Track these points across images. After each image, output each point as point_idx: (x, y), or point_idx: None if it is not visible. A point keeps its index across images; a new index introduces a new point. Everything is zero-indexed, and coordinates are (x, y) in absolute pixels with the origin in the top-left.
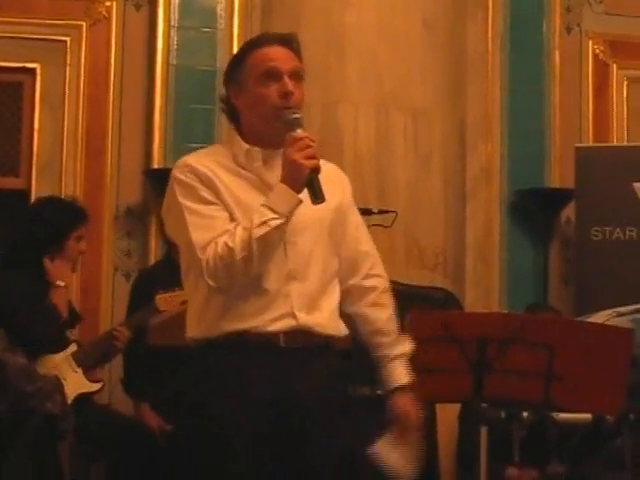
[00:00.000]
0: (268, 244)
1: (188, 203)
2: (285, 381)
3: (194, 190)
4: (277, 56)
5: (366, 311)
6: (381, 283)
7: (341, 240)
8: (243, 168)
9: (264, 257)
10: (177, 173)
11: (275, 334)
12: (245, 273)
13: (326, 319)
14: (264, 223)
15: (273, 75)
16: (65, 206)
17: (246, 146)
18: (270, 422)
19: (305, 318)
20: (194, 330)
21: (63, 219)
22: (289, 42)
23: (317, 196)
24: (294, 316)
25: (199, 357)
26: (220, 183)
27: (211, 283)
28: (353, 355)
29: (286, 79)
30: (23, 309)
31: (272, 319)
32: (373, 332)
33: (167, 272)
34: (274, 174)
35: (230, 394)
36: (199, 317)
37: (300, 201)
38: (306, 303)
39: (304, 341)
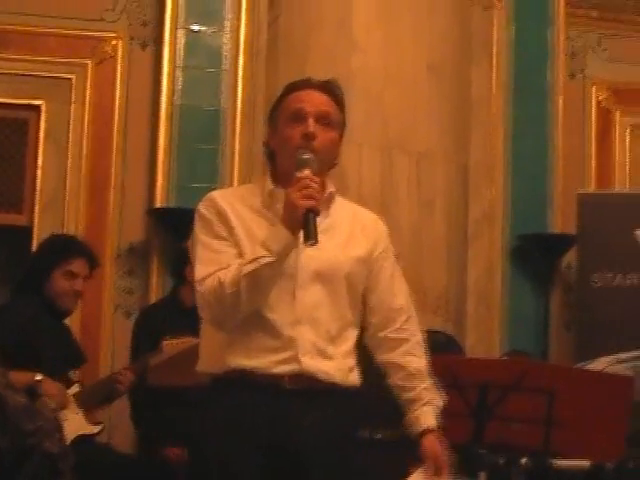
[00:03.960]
0: (257, 281)
1: (202, 236)
2: (285, 422)
3: (210, 224)
4: (306, 99)
5: (400, 360)
6: (415, 336)
7: (370, 291)
8: (267, 208)
9: (253, 293)
10: (200, 206)
11: (280, 376)
12: (234, 308)
13: (332, 367)
14: (255, 260)
15: (299, 117)
16: (57, 240)
17: (270, 187)
18: (268, 461)
19: (309, 363)
20: (201, 364)
21: (48, 251)
22: (326, 88)
23: (309, 237)
24: (298, 360)
25: (204, 392)
26: (237, 220)
27: (204, 316)
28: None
29: (310, 121)
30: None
31: (277, 361)
32: (408, 376)
33: (172, 312)
34: None
35: (230, 432)
36: (206, 351)
37: (294, 241)
38: (311, 349)
39: (308, 385)
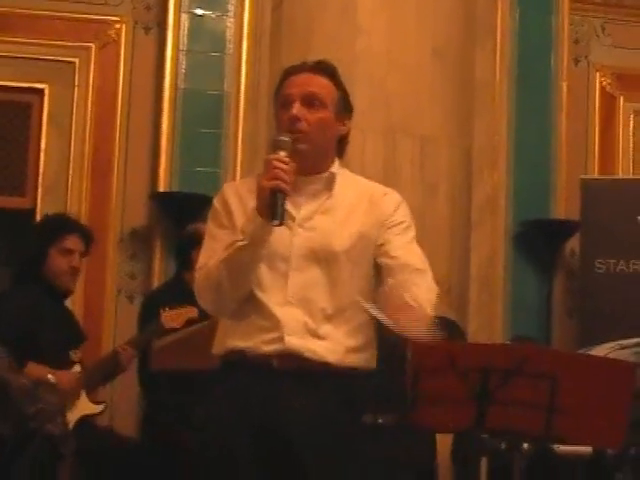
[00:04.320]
0: (233, 265)
1: (210, 226)
2: (275, 403)
3: (217, 215)
4: (295, 83)
5: (401, 286)
6: (423, 282)
7: (379, 257)
8: None
9: (233, 277)
10: (215, 198)
11: (268, 356)
12: (219, 294)
13: (323, 347)
14: (230, 245)
15: (287, 102)
16: (48, 219)
17: None
18: (260, 442)
19: (293, 342)
20: (214, 347)
21: (41, 232)
22: (316, 68)
23: (274, 217)
24: (282, 340)
25: (211, 375)
26: (239, 207)
27: (200, 303)
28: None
29: (295, 104)
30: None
31: (265, 341)
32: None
33: (176, 292)
34: (295, 199)
35: (226, 413)
36: (217, 334)
37: (265, 224)
38: (300, 329)
39: (297, 365)
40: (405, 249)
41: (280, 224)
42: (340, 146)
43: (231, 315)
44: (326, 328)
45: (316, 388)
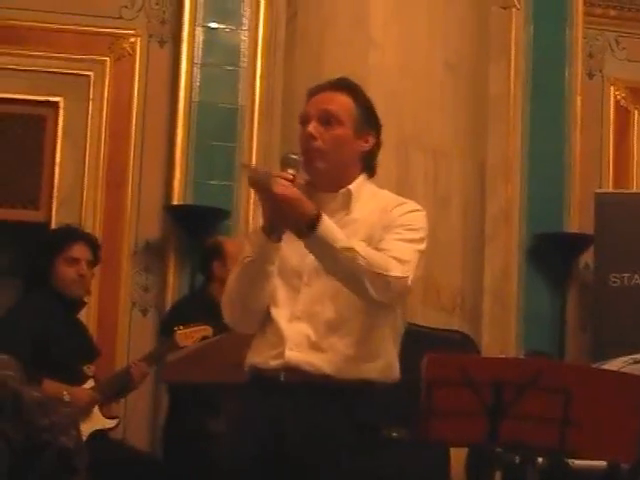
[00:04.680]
0: (242, 279)
1: (246, 245)
2: (282, 416)
3: (249, 234)
4: (313, 102)
5: None
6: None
7: None
8: None
9: (241, 292)
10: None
11: (276, 370)
12: (232, 307)
13: (323, 359)
14: (242, 261)
15: (305, 121)
16: (53, 231)
17: None
18: (267, 457)
19: (294, 356)
20: None
21: (46, 243)
22: (335, 86)
23: (272, 232)
24: (283, 354)
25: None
26: None
27: (223, 317)
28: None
29: (311, 122)
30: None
31: (272, 356)
32: None
33: (199, 304)
34: None
35: (238, 429)
36: None
37: (265, 239)
38: (302, 342)
39: (301, 379)
40: (394, 244)
41: (278, 240)
42: (367, 162)
43: (255, 331)
44: (331, 340)
45: (320, 400)
